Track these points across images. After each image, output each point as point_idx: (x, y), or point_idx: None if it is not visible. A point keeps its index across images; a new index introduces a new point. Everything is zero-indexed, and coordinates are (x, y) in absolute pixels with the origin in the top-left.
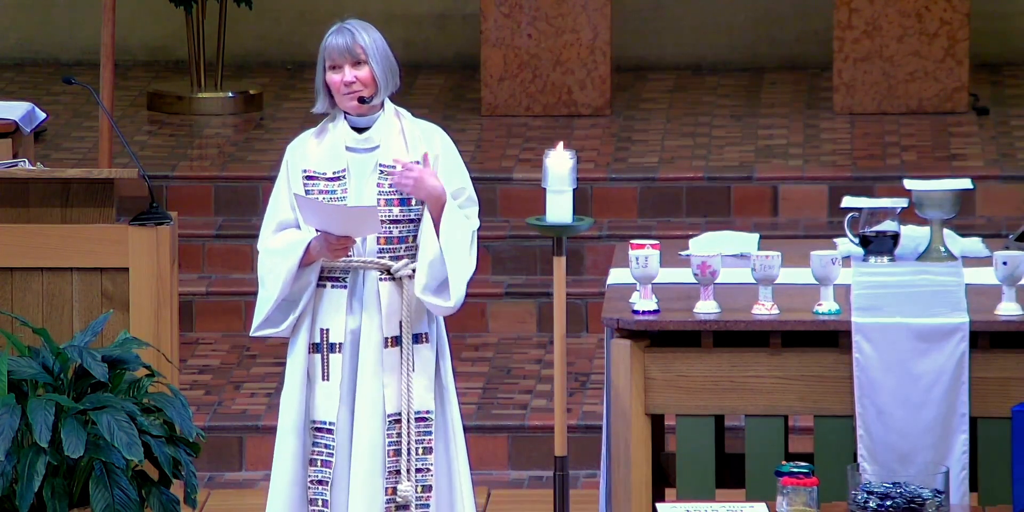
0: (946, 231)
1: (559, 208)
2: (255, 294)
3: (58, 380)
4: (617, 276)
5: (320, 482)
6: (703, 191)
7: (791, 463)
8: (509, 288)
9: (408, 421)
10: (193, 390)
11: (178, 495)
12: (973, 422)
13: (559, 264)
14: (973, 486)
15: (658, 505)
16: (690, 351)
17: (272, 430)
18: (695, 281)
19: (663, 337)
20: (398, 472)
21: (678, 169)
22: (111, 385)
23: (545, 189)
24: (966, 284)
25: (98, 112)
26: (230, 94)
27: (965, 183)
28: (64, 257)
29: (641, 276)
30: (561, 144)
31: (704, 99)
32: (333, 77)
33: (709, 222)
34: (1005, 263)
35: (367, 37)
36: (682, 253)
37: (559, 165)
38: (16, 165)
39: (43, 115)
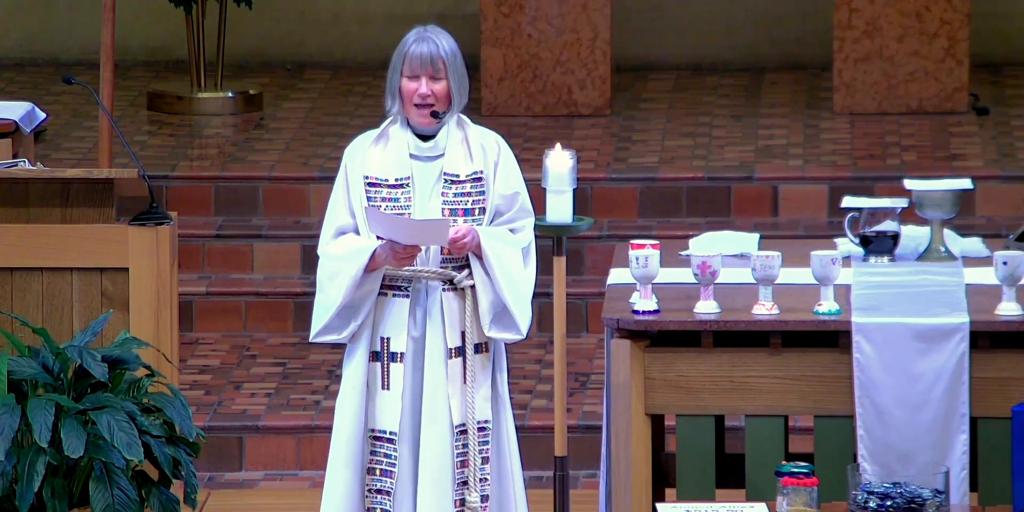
0: (946, 231)
1: (559, 208)
2: (255, 294)
3: (58, 380)
4: (617, 276)
5: (380, 491)
6: (703, 191)
7: (791, 463)
8: None
9: (472, 431)
10: (193, 390)
11: (178, 495)
12: (973, 422)
13: (559, 264)
14: (973, 486)
15: (658, 505)
16: (690, 351)
17: (272, 430)
18: (695, 281)
19: (663, 337)
20: (465, 483)
21: (678, 169)
22: (111, 385)
23: (545, 189)
24: (966, 284)
25: (98, 112)
26: (230, 94)
27: (965, 183)
28: (64, 257)
29: (641, 276)
30: (559, 145)
31: (704, 99)
32: (409, 85)
33: (709, 222)
34: (1005, 263)
35: (448, 51)
36: (682, 253)
37: (559, 165)
38: (16, 165)
39: (43, 115)
